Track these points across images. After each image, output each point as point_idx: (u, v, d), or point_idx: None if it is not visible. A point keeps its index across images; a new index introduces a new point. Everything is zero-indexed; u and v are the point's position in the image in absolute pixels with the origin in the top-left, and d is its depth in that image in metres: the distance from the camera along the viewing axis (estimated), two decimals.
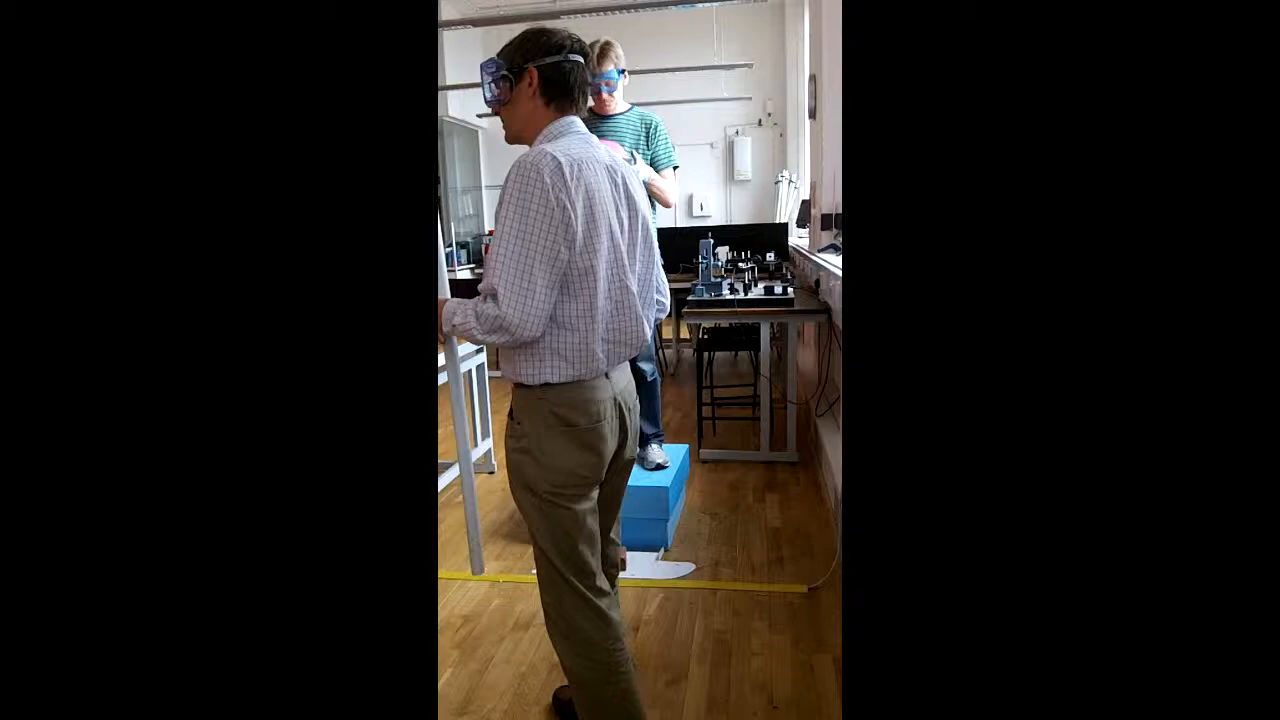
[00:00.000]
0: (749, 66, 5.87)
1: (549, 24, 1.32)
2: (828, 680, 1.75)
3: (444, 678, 1.81)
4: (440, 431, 3.78)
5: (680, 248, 4.35)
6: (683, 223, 6.91)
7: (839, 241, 3.25)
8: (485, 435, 3.28)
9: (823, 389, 3.36)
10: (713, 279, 3.34)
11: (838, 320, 2.75)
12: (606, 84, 2.54)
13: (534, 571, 1.38)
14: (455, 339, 1.37)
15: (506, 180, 1.17)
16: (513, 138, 1.32)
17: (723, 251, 4.22)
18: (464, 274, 5.26)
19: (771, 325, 3.27)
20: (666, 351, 5.48)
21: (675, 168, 2.74)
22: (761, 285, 3.44)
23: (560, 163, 1.14)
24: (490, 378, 3.47)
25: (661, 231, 2.86)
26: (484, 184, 7.27)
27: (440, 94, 6.26)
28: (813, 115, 3.88)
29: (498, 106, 1.28)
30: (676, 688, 1.75)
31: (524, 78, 1.24)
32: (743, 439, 3.52)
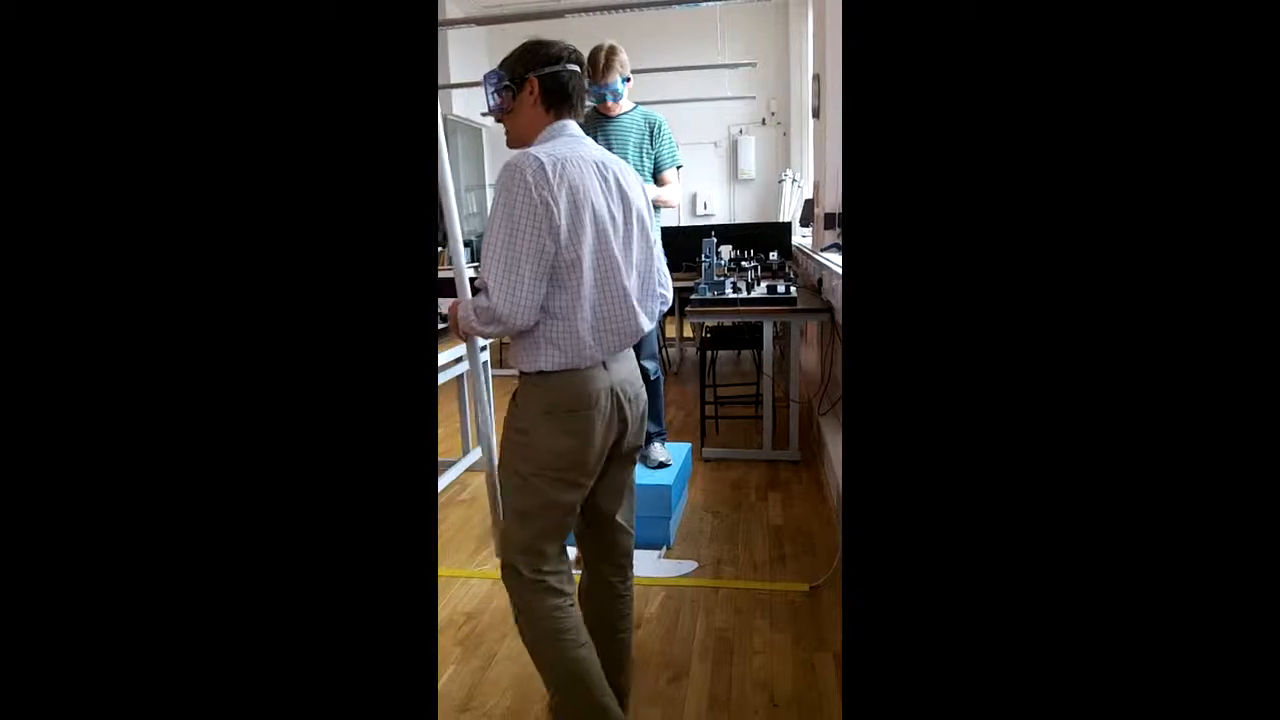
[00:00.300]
0: (752, 65, 5.87)
1: (547, 36, 1.39)
2: (829, 678, 1.75)
3: (446, 675, 1.82)
4: (441, 430, 3.79)
5: (683, 246, 4.35)
6: (686, 222, 6.91)
7: (842, 241, 3.25)
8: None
9: (825, 388, 3.37)
10: (716, 278, 3.35)
11: (840, 319, 2.75)
12: (613, 94, 2.54)
13: None
14: (477, 344, 1.50)
15: (497, 182, 1.25)
16: (514, 143, 1.38)
17: (726, 250, 4.22)
18: (469, 273, 5.26)
19: (774, 324, 3.27)
20: (669, 350, 5.49)
21: (679, 167, 2.74)
22: (764, 284, 3.44)
23: (542, 162, 1.22)
24: (494, 375, 3.48)
25: (665, 230, 2.86)
26: (487, 182, 7.27)
27: (444, 93, 6.26)
28: (816, 114, 3.87)
29: (500, 115, 1.37)
30: (678, 685, 1.75)
31: (525, 87, 1.32)
32: (745, 438, 3.53)
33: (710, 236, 3.43)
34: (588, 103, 2.64)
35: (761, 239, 4.81)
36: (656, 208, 2.71)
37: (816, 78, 3.77)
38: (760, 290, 3.33)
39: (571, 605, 1.39)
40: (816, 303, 3.23)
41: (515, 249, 1.21)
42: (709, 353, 3.67)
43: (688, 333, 5.79)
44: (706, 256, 3.36)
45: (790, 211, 5.95)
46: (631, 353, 1.43)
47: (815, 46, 4.20)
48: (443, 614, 2.10)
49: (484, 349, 3.20)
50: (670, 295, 1.55)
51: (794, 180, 6.07)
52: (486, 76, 1.35)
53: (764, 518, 2.67)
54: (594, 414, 1.32)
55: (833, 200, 3.56)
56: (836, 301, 2.87)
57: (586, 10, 3.91)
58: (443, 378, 3.00)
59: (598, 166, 1.32)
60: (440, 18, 5.61)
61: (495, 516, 1.49)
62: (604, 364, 1.33)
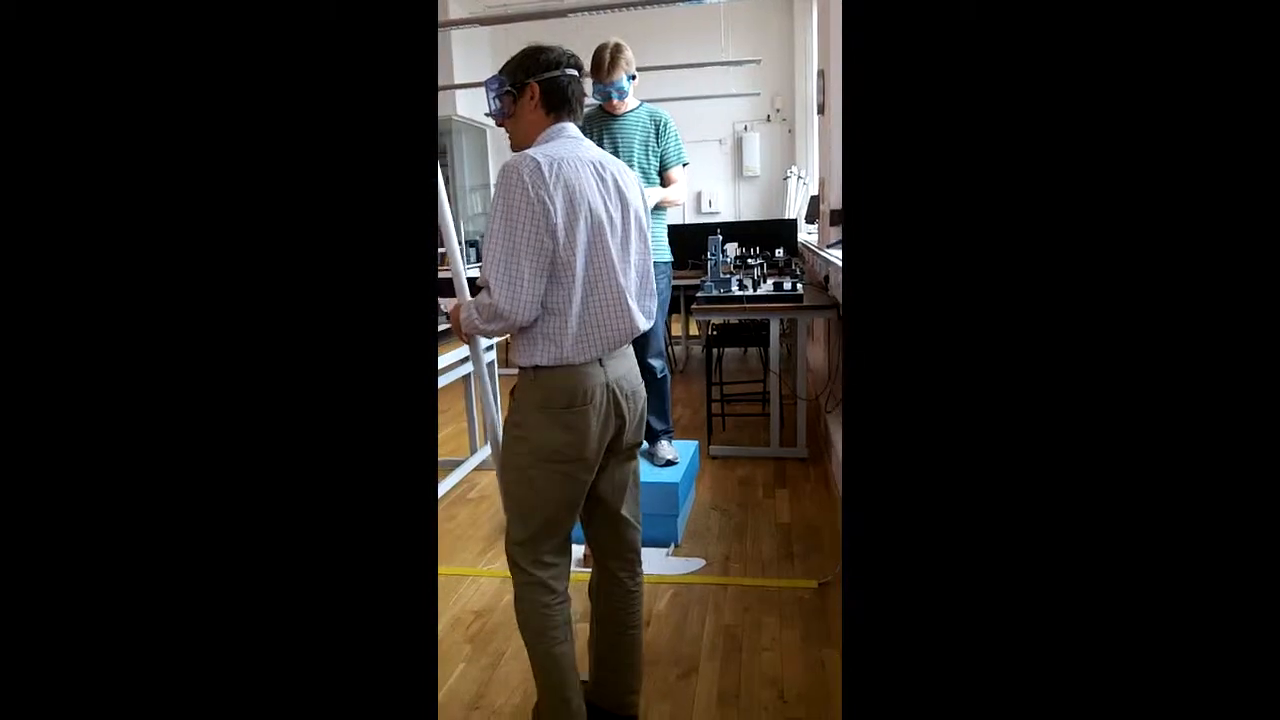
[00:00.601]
0: (757, 62, 5.86)
1: (551, 35, 1.46)
2: (838, 675, 1.75)
3: (456, 672, 1.83)
4: (447, 431, 3.80)
5: (689, 244, 4.35)
6: (691, 219, 6.90)
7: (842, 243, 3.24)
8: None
9: (832, 385, 3.36)
10: (722, 275, 3.35)
11: None
12: (618, 92, 2.54)
13: None
14: (480, 344, 1.52)
15: (496, 182, 1.29)
16: (516, 146, 1.41)
17: (732, 248, 4.22)
18: (473, 272, 5.27)
19: (781, 321, 3.27)
20: (675, 348, 5.49)
21: (685, 164, 2.74)
22: (771, 281, 3.44)
23: (539, 162, 1.26)
24: (501, 375, 3.49)
25: (670, 228, 2.86)
26: (491, 182, 7.27)
27: (448, 93, 6.27)
28: (821, 111, 3.87)
29: (502, 119, 1.41)
30: (687, 681, 1.76)
31: (526, 92, 1.36)
32: (752, 435, 3.53)
33: (716, 234, 3.43)
34: (593, 100, 2.64)
35: (767, 236, 4.81)
36: (663, 206, 2.71)
37: (821, 74, 3.77)
38: (766, 287, 3.33)
39: (560, 603, 1.43)
40: (823, 299, 3.22)
41: (514, 247, 1.24)
42: (715, 350, 3.67)
43: (693, 330, 5.79)
44: (712, 254, 3.36)
45: (796, 208, 5.94)
46: (630, 350, 1.45)
47: (820, 42, 4.19)
48: (452, 612, 2.11)
49: (490, 348, 3.21)
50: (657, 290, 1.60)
51: (799, 177, 6.06)
52: (488, 82, 1.39)
53: (772, 515, 2.67)
54: (589, 409, 1.34)
55: (838, 197, 3.55)
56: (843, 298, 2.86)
57: (590, 9, 3.91)
58: (450, 377, 3.01)
59: (595, 166, 1.35)
60: (443, 18, 5.63)
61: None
62: (600, 361, 1.36)
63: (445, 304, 1.81)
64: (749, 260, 3.90)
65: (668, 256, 2.78)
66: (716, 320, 3.68)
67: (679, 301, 4.65)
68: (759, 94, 6.62)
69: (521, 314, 1.26)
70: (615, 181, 1.38)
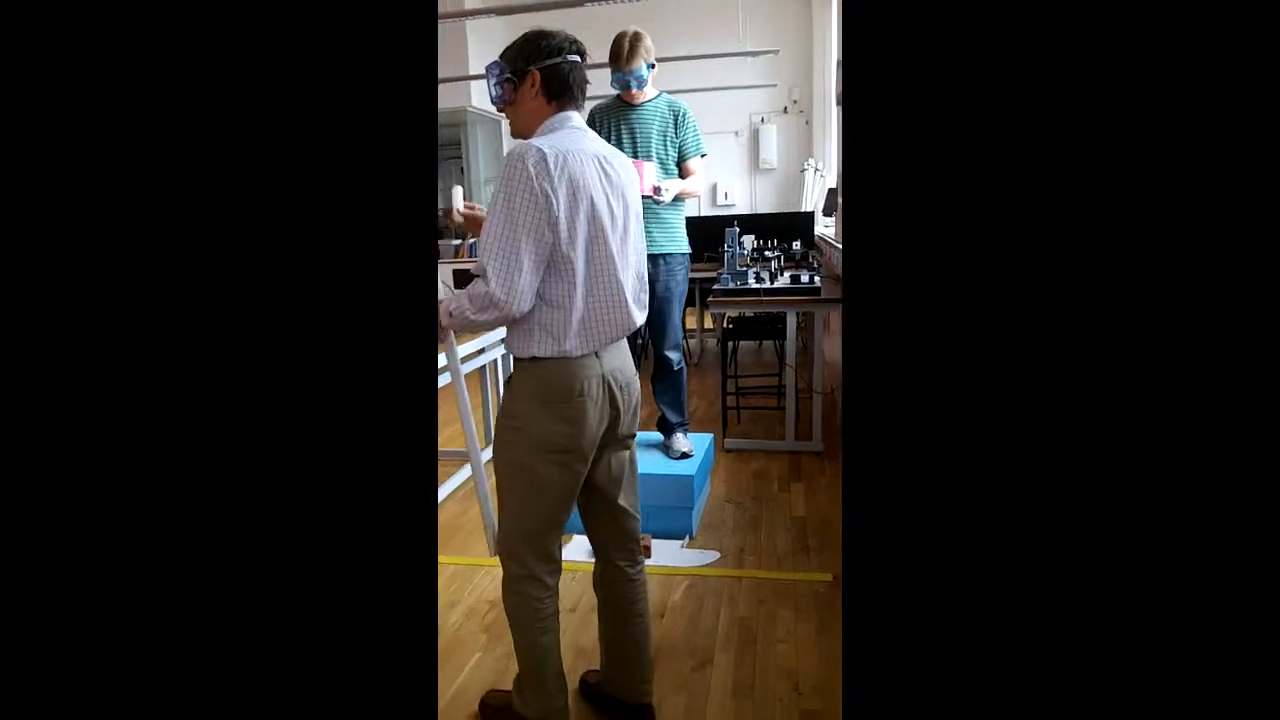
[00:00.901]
0: (775, 53, 5.81)
1: (566, 25, 1.41)
2: None
3: (472, 661, 1.84)
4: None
5: (705, 237, 4.34)
6: (706, 212, 6.88)
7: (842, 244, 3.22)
8: None
9: None
10: (738, 268, 3.33)
11: None
12: (637, 81, 2.52)
13: None
14: (454, 337, 1.48)
15: (500, 171, 1.28)
16: (518, 133, 1.41)
17: (748, 240, 4.20)
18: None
19: (797, 314, 3.26)
20: (690, 341, 5.48)
21: (703, 155, 2.72)
22: (788, 274, 3.43)
23: (544, 153, 1.25)
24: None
25: (686, 220, 2.85)
26: None
27: (463, 84, 6.28)
28: (840, 102, 3.83)
29: (503, 105, 1.39)
30: (701, 673, 1.76)
31: (527, 79, 1.34)
32: (767, 428, 3.52)
33: (733, 226, 3.41)
34: (611, 90, 2.63)
35: (783, 229, 4.79)
36: (681, 198, 2.70)
37: (840, 65, 3.73)
38: (784, 280, 3.31)
39: (550, 598, 1.46)
40: (840, 292, 3.20)
41: (514, 236, 1.23)
42: (730, 343, 3.66)
43: (708, 324, 5.77)
44: (729, 246, 3.35)
45: (813, 201, 5.90)
46: (625, 343, 1.46)
47: (839, 33, 4.15)
48: (467, 602, 2.12)
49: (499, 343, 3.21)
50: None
51: (816, 169, 6.02)
52: (489, 68, 1.37)
53: (787, 508, 2.67)
54: (586, 401, 1.35)
55: None
56: None
57: None
58: (465, 369, 3.02)
59: (599, 161, 1.34)
60: (459, 8, 5.62)
61: (486, 517, 1.55)
62: (596, 353, 1.36)
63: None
64: (766, 253, 3.88)
65: (686, 248, 2.76)
66: (732, 313, 3.67)
67: (694, 294, 4.63)
68: (776, 85, 6.58)
69: (517, 304, 1.25)
70: (618, 177, 1.38)
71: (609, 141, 2.60)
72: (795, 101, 6.87)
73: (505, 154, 1.29)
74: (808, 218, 5.18)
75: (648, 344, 3.44)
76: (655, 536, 2.38)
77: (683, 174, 2.70)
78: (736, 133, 7.05)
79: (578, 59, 1.36)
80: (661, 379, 2.78)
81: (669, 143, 2.64)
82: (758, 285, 3.22)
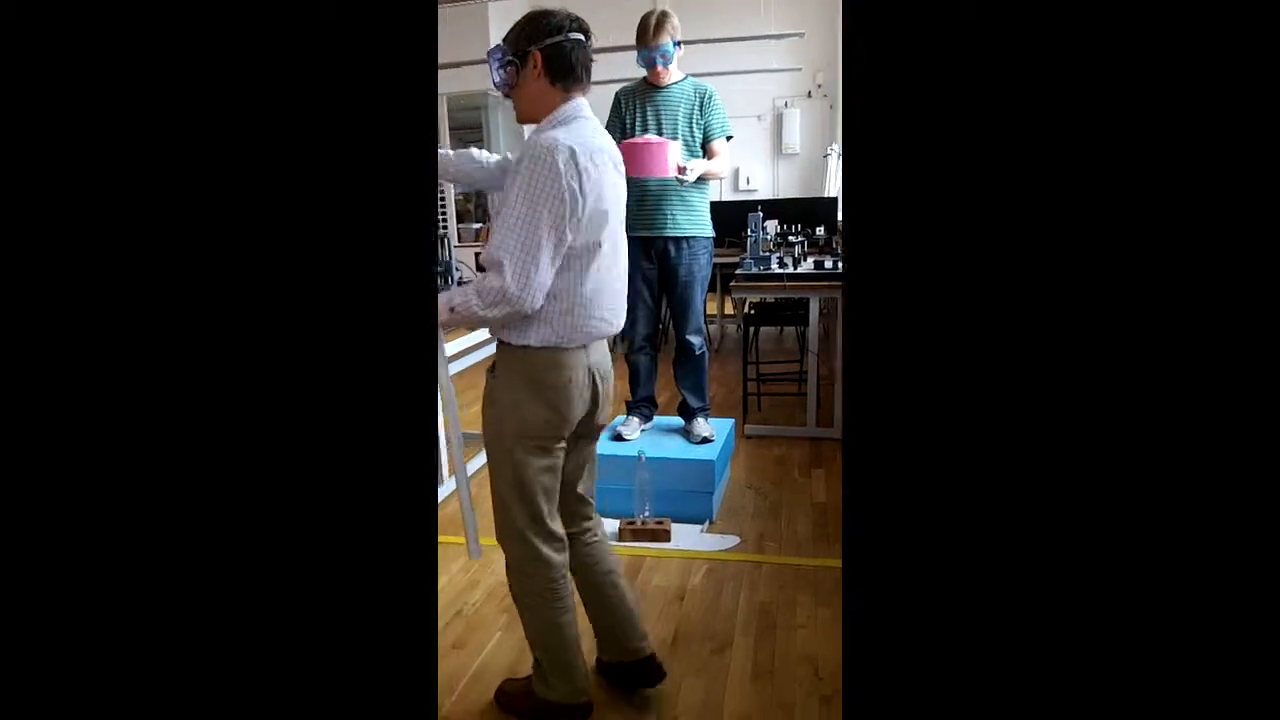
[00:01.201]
0: (800, 36, 5.73)
1: (549, 6, 1.38)
2: None
3: (493, 641, 1.86)
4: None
5: (726, 222, 4.30)
6: (728, 196, 6.83)
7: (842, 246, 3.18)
8: None
9: None
10: (761, 253, 3.31)
11: None
12: (662, 57, 2.50)
13: None
14: (442, 335, 1.46)
15: (519, 160, 1.25)
16: (523, 118, 1.40)
17: (772, 225, 4.17)
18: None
19: (820, 300, 3.23)
20: (710, 327, 5.46)
21: (729, 137, 2.69)
22: (811, 260, 3.40)
23: (575, 151, 1.24)
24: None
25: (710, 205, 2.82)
26: None
27: (482, 68, 6.24)
28: None
29: (507, 90, 1.37)
30: (720, 656, 1.76)
31: (529, 61, 1.31)
32: (788, 415, 3.50)
33: (757, 210, 3.38)
34: (639, 69, 2.61)
35: (806, 214, 4.74)
36: (705, 179, 2.67)
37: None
38: (807, 266, 3.28)
39: (564, 577, 1.47)
40: None
41: (535, 232, 1.22)
42: (751, 329, 3.64)
43: (728, 309, 5.75)
44: (752, 231, 3.32)
45: (836, 187, 5.84)
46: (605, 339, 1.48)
47: None
48: (487, 583, 2.14)
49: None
50: None
51: (840, 155, 5.95)
52: (490, 53, 1.34)
53: (807, 494, 2.66)
54: (573, 390, 1.36)
55: None
56: None
57: None
58: (477, 357, 3.03)
59: (614, 161, 1.37)
60: None
61: (465, 508, 1.54)
62: (584, 345, 1.38)
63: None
64: (790, 238, 3.84)
65: (709, 231, 2.73)
66: (754, 299, 3.64)
67: (715, 280, 4.61)
68: (800, 69, 6.49)
69: (530, 301, 1.25)
70: (623, 175, 1.41)
71: (634, 124, 2.60)
72: (819, 85, 6.78)
73: (528, 143, 1.26)
74: (831, 203, 5.13)
75: (668, 328, 3.43)
76: (676, 521, 2.38)
77: (707, 155, 2.67)
78: (759, 117, 6.98)
79: (581, 37, 1.32)
80: (683, 363, 2.77)
81: (695, 125, 2.61)
82: (782, 270, 3.19)
